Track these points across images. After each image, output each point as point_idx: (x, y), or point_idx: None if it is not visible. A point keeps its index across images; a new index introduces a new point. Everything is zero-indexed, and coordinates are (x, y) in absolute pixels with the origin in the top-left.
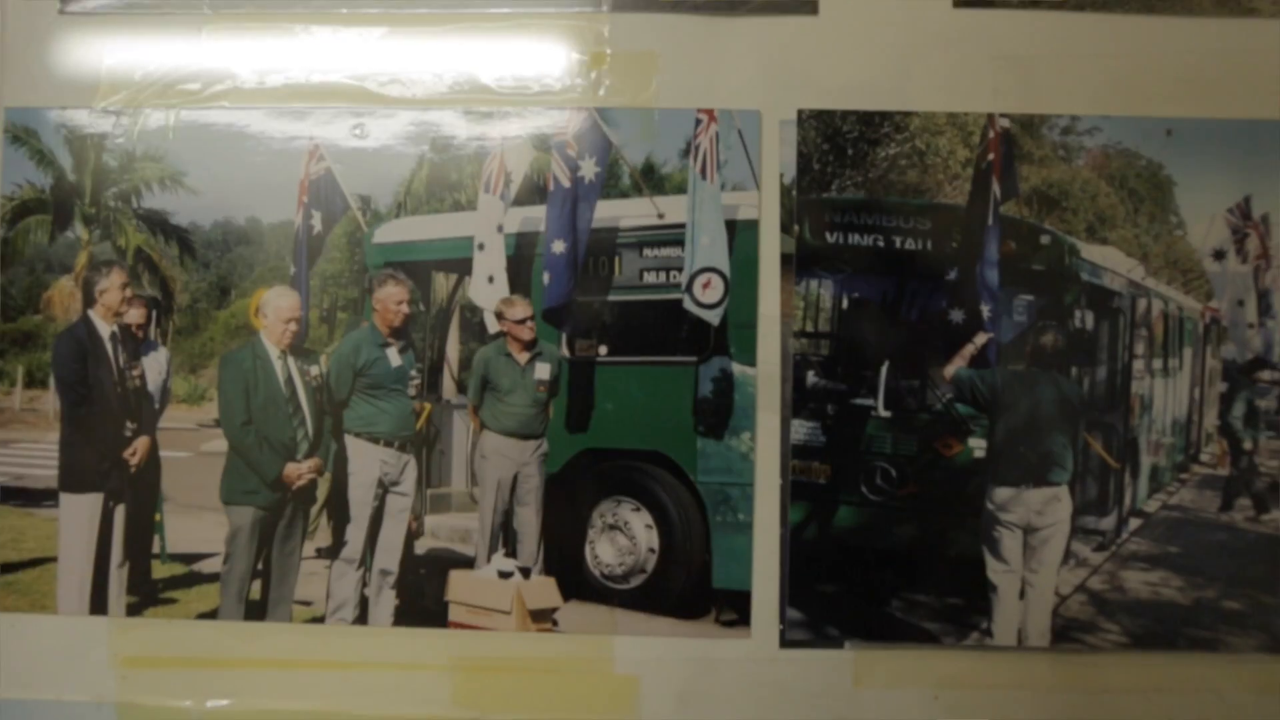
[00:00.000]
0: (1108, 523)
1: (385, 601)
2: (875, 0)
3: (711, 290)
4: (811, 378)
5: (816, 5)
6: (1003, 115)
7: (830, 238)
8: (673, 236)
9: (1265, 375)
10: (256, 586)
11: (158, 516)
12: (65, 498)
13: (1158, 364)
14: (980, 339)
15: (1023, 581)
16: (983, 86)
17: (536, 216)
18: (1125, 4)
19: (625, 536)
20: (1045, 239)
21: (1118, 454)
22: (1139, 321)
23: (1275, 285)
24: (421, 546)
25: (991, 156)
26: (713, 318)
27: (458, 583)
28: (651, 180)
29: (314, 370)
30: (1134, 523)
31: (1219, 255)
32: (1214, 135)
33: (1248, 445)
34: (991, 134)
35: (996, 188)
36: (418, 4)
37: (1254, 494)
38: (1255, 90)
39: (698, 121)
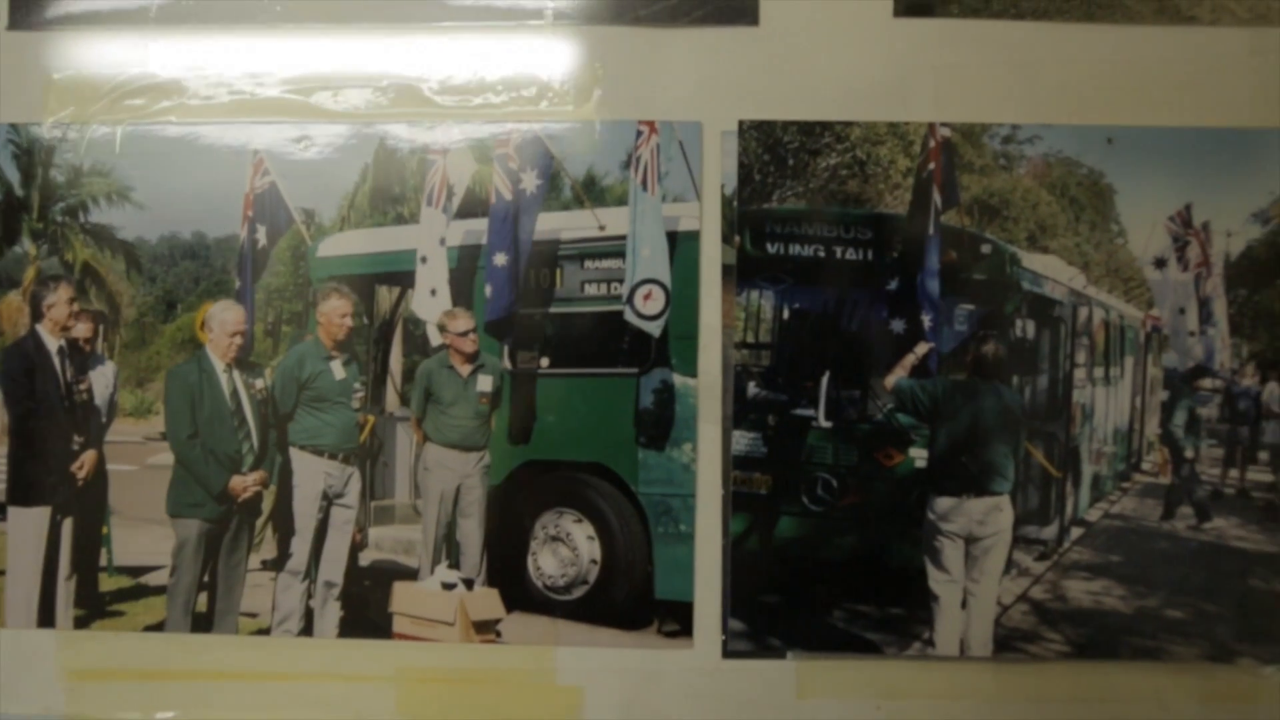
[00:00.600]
0: (1049, 532)
1: (330, 613)
2: (816, 11)
3: (652, 302)
4: (752, 389)
5: (757, 16)
6: (943, 124)
7: (771, 248)
8: (614, 248)
9: (1206, 383)
10: (203, 599)
11: (105, 529)
12: (13, 511)
13: (1099, 373)
14: (921, 349)
15: (965, 591)
16: (923, 96)
17: (479, 229)
18: (1066, 12)
19: (567, 548)
20: (986, 248)
21: (1059, 463)
22: (1080, 330)
23: (1216, 293)
24: (366, 558)
25: (932, 166)
26: (654, 329)
27: (402, 594)
28: (593, 192)
29: (259, 383)
30: (1076, 532)
31: (1160, 263)
32: (1155, 143)
33: (1189, 453)
34: (932, 143)
35: (937, 197)
36: (362, 18)
37: (1195, 502)
38: (1196, 98)
39: (639, 133)
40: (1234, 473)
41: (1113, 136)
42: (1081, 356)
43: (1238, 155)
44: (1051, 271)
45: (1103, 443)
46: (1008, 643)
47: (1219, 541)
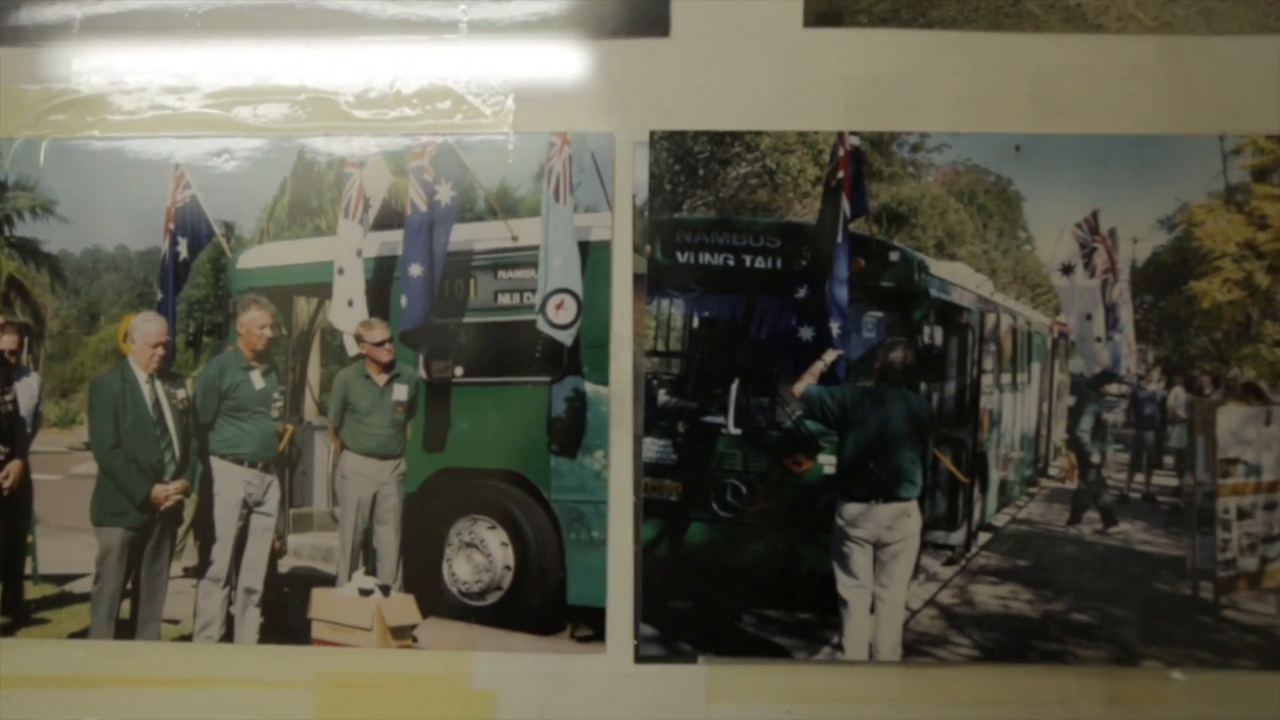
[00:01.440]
0: (957, 537)
1: (250, 619)
2: (726, 21)
3: (564, 311)
4: (663, 396)
5: (668, 27)
6: (853, 133)
7: (681, 257)
8: (526, 259)
9: (1113, 389)
10: (126, 606)
11: (30, 538)
12: None
13: (1006, 379)
14: (829, 356)
15: (873, 596)
16: (833, 105)
17: (394, 241)
18: (973, 21)
19: (482, 554)
20: (894, 256)
21: (967, 469)
22: (987, 336)
23: (1122, 299)
24: (285, 565)
25: (841, 174)
26: (566, 338)
27: (320, 600)
28: (506, 204)
29: (180, 394)
30: (983, 537)
31: (1067, 270)
32: (1062, 150)
33: (1095, 458)
34: (841, 152)
35: (846, 205)
36: (281, 29)
37: (1102, 507)
38: (1103, 105)
39: (551, 145)
40: (1140, 477)
41: (1020, 144)
42: (989, 363)
43: (1144, 162)
44: (959, 278)
45: (1010, 448)
46: (916, 647)
47: (1125, 545)
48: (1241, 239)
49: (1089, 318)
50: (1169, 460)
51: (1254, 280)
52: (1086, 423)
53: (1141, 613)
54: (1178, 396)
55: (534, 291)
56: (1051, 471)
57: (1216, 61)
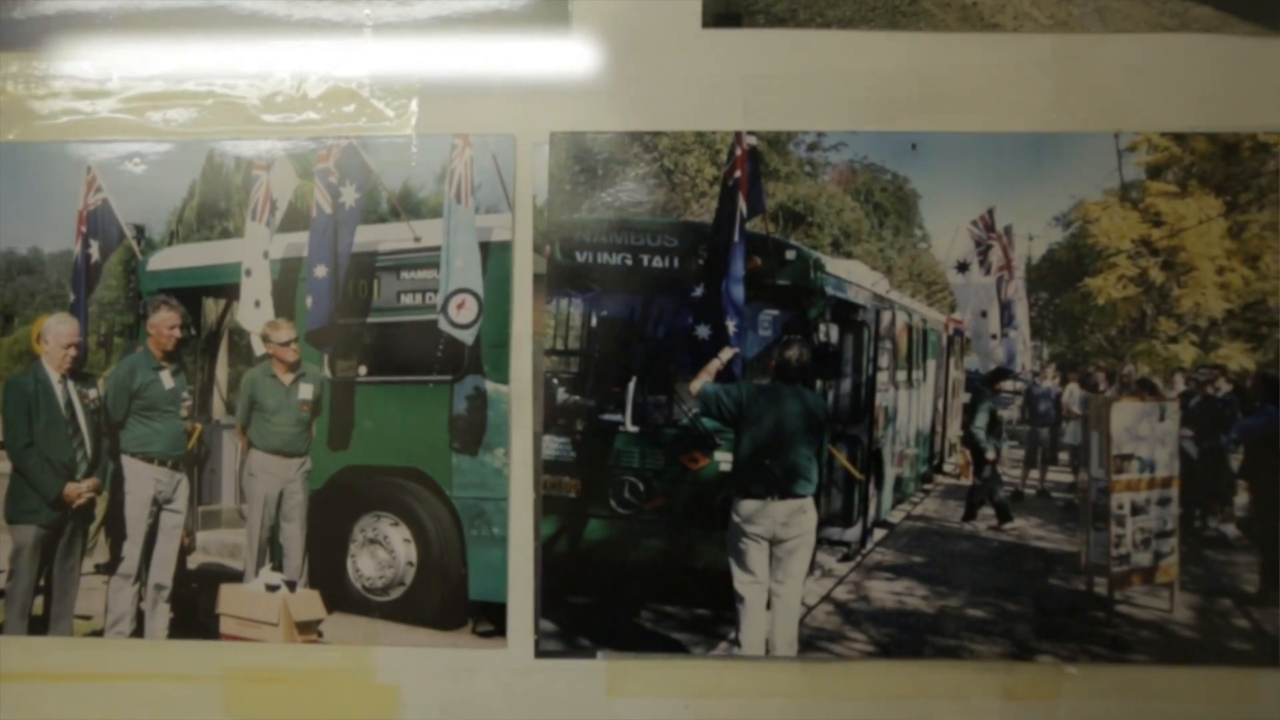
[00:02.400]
0: (852, 534)
1: (160, 615)
2: (626, 22)
3: (465, 311)
4: (562, 394)
5: (569, 28)
6: (750, 133)
7: (580, 257)
8: (428, 259)
9: (1007, 385)
10: (39, 602)
11: None
12: None
13: (902, 376)
14: (726, 354)
15: (769, 592)
16: (732, 105)
17: (300, 242)
18: (870, 20)
19: (385, 550)
20: (791, 254)
21: (862, 466)
22: (883, 334)
23: (1017, 296)
24: (194, 561)
25: (738, 174)
26: (467, 337)
27: (228, 596)
28: (409, 205)
29: (92, 394)
30: (879, 533)
31: (962, 267)
32: (958, 149)
33: (990, 455)
34: (739, 151)
35: (743, 204)
36: (191, 32)
37: (996, 503)
38: (999, 104)
39: (453, 146)
40: (1034, 473)
41: (917, 143)
42: (884, 360)
43: (1040, 160)
44: (855, 276)
45: (905, 445)
46: (812, 643)
47: (1020, 541)
48: (1136, 236)
49: (984, 315)
50: (1064, 456)
51: (1148, 277)
52: (981, 419)
53: (1036, 608)
54: (1072, 393)
55: (436, 292)
56: (947, 468)
57: (1112, 60)
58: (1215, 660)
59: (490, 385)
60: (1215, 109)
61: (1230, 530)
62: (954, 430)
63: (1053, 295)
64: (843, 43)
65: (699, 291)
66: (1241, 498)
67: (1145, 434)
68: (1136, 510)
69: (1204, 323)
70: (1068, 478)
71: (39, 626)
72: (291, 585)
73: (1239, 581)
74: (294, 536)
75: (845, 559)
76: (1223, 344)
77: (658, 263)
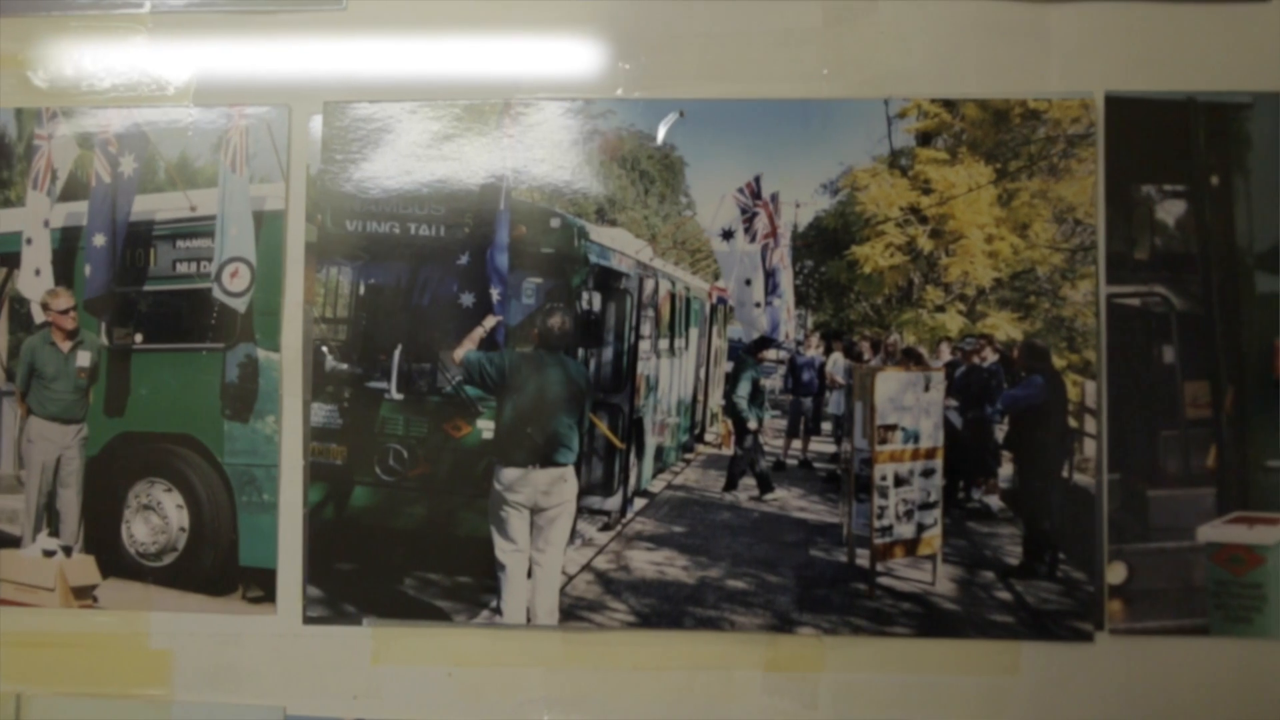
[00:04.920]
0: (613, 503)
1: None
2: None
3: (238, 279)
4: (330, 362)
5: (343, 0)
6: (521, 99)
7: (350, 226)
8: (204, 228)
9: (770, 354)
10: None
11: None
12: None
13: (664, 344)
14: (489, 322)
15: (530, 561)
16: (504, 72)
17: (80, 212)
18: None
19: (158, 516)
20: (555, 222)
21: (623, 434)
22: (646, 302)
23: (783, 264)
24: None
25: (506, 141)
26: (239, 305)
27: (6, 561)
28: (185, 175)
29: None
30: (639, 503)
31: (727, 235)
32: (726, 116)
33: (752, 424)
34: (507, 119)
35: (510, 173)
36: None
37: (758, 474)
38: (768, 70)
39: (229, 117)
40: (797, 443)
41: (685, 110)
42: (646, 328)
43: (809, 126)
44: (619, 244)
45: (666, 414)
46: (573, 612)
47: (781, 512)
48: (905, 203)
49: (748, 283)
50: (827, 427)
51: (917, 245)
52: (744, 388)
53: (798, 580)
54: (836, 362)
55: (210, 260)
56: (708, 437)
57: (882, 25)
58: (977, 633)
59: (262, 353)
60: (985, 75)
61: (994, 502)
62: (716, 399)
63: (818, 263)
64: (613, 10)
65: (464, 260)
66: (1006, 469)
67: (910, 404)
68: (900, 481)
69: (972, 291)
70: (830, 448)
71: None
72: (68, 551)
73: (1002, 554)
74: (70, 502)
75: (606, 528)
76: (990, 313)
77: (424, 231)
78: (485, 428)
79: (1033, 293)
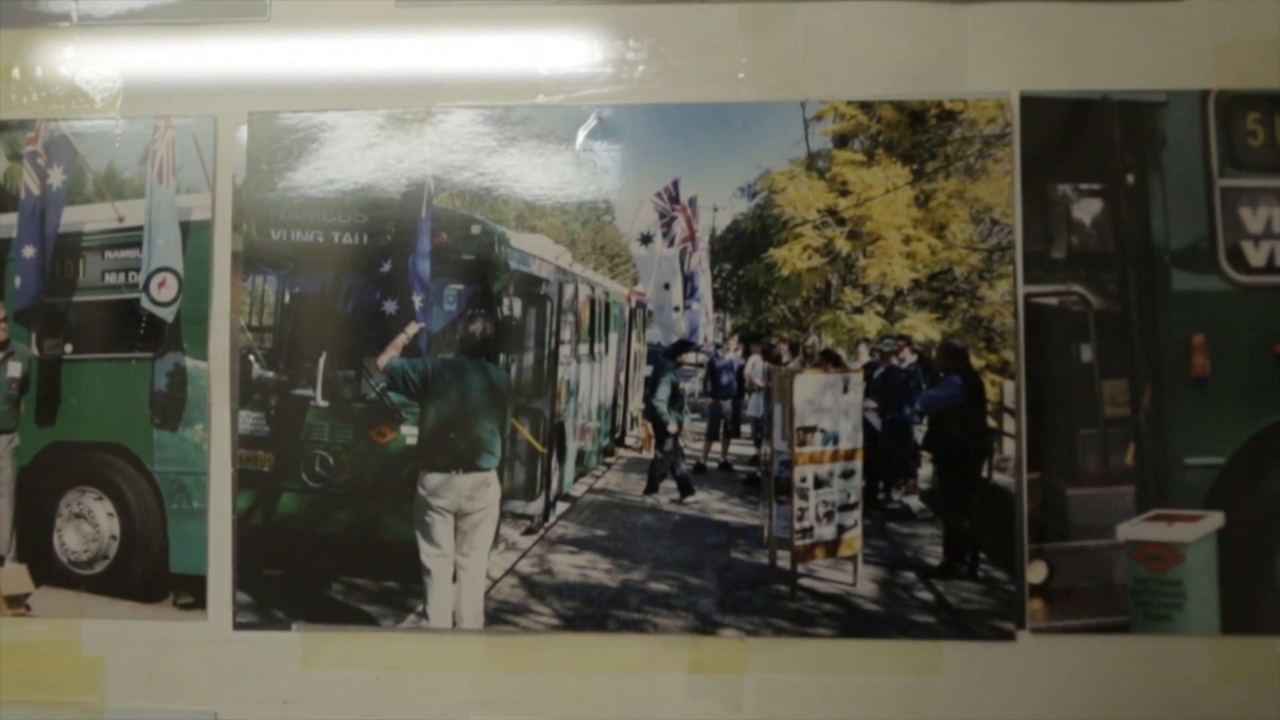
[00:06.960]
0: (535, 507)
1: None
2: (323, 3)
3: (166, 289)
4: (257, 370)
5: (268, 12)
6: (442, 106)
7: (275, 235)
8: (131, 239)
9: (689, 358)
10: None
11: None
12: None
13: (584, 349)
14: (412, 329)
15: (455, 565)
16: (425, 82)
17: (9, 224)
18: None
19: (89, 524)
20: (476, 229)
21: (544, 439)
22: (566, 307)
23: (701, 268)
24: None
25: (427, 149)
26: (167, 315)
27: None
28: (113, 186)
29: None
30: (561, 507)
31: (646, 239)
32: (645, 120)
33: (672, 428)
34: (429, 127)
35: (431, 180)
36: None
37: (678, 476)
38: (685, 75)
39: (156, 128)
40: (717, 446)
41: (602, 115)
42: (567, 333)
43: (727, 130)
44: (539, 250)
45: (587, 418)
46: (498, 615)
47: (702, 515)
48: (823, 205)
49: (667, 287)
50: (746, 429)
51: (834, 247)
52: (663, 392)
53: (719, 582)
54: (755, 365)
55: (138, 270)
56: (629, 441)
57: (799, 28)
58: (899, 633)
59: (190, 362)
60: (901, 77)
61: (914, 503)
62: (636, 403)
63: (736, 266)
64: (532, 16)
65: (386, 267)
66: (925, 470)
67: (828, 406)
68: (819, 483)
69: (890, 293)
70: (750, 450)
71: None
72: (0, 560)
73: (922, 554)
74: (2, 512)
75: (529, 532)
76: (908, 314)
77: (348, 239)
78: (409, 434)
79: (950, 293)
